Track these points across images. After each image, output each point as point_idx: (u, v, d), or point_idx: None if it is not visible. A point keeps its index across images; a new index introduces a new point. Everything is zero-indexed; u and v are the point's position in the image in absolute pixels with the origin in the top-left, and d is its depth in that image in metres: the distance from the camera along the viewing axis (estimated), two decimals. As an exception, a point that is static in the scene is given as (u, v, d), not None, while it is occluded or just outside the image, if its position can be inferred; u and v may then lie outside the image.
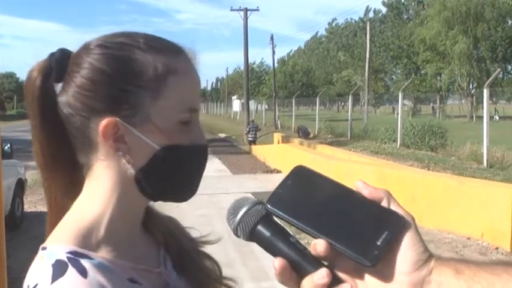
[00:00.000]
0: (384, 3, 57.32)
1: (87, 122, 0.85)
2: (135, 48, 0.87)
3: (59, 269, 0.78)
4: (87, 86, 0.85)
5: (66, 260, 0.79)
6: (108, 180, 0.88)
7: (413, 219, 0.66)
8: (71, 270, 0.78)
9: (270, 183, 13.25)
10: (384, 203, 0.68)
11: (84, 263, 0.80)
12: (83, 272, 0.78)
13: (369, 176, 9.72)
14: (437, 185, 8.53)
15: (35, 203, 10.85)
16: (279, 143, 20.09)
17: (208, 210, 9.23)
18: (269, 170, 15.81)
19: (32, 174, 12.89)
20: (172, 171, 0.88)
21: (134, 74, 0.85)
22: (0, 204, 1.20)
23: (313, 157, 13.31)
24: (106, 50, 0.87)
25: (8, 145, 8.83)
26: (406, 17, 56.16)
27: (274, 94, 41.99)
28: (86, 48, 0.88)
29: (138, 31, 0.91)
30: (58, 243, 0.83)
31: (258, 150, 20.38)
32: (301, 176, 0.72)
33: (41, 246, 0.84)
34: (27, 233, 8.22)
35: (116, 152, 0.86)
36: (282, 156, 16.15)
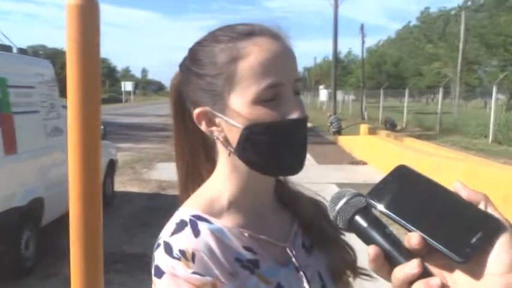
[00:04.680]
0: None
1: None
2: (212, 41, 0.95)
3: (179, 227, 0.91)
4: (185, 85, 0.99)
5: (187, 220, 0.92)
6: (222, 160, 0.99)
7: (510, 224, 0.66)
8: (187, 229, 0.90)
9: (355, 174, 13.20)
10: (481, 206, 0.67)
11: (201, 225, 0.92)
12: (197, 233, 0.90)
13: (458, 172, 9.49)
14: (531, 185, 8.00)
15: (124, 183, 11.18)
16: (365, 134, 19.93)
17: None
18: (355, 162, 15.67)
19: (122, 156, 13.23)
20: (263, 147, 0.91)
21: (208, 65, 0.93)
22: (98, 183, 1.40)
23: (401, 150, 13.13)
24: (193, 48, 0.99)
25: (102, 127, 9.10)
26: (505, 5, 53.37)
27: (362, 85, 41.37)
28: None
29: (235, 23, 0.96)
30: (187, 206, 0.96)
31: (344, 141, 20.27)
32: (402, 174, 0.74)
33: (178, 208, 0.97)
34: (116, 211, 8.53)
35: (211, 135, 0.97)
36: (368, 148, 16.02)
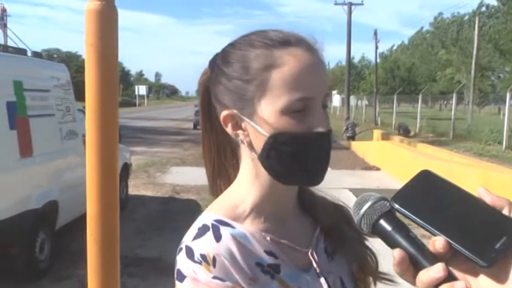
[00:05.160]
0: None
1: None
2: (246, 45, 0.94)
3: (201, 231, 0.92)
4: (213, 84, 0.98)
5: (210, 225, 0.92)
6: (245, 163, 0.99)
7: None
8: (209, 234, 0.91)
9: (368, 179, 13.17)
10: (505, 211, 0.68)
11: (223, 230, 0.92)
12: (218, 238, 0.90)
13: (471, 178, 9.40)
14: (545, 191, 8.09)
15: (138, 186, 11.19)
16: (378, 140, 19.84)
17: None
18: (368, 167, 15.63)
19: (136, 159, 13.23)
20: (287, 157, 0.91)
21: (239, 69, 0.92)
22: (116, 185, 1.44)
23: (414, 156, 13.04)
24: (225, 49, 0.98)
25: (116, 131, 9.13)
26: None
27: (376, 90, 41.15)
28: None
29: (267, 29, 0.95)
30: (210, 211, 0.97)
31: (357, 146, 20.19)
32: (426, 178, 0.75)
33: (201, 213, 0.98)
34: (130, 214, 8.54)
35: (236, 138, 0.96)
36: (381, 154, 15.94)
